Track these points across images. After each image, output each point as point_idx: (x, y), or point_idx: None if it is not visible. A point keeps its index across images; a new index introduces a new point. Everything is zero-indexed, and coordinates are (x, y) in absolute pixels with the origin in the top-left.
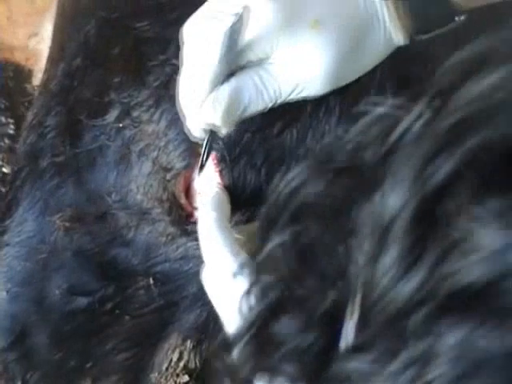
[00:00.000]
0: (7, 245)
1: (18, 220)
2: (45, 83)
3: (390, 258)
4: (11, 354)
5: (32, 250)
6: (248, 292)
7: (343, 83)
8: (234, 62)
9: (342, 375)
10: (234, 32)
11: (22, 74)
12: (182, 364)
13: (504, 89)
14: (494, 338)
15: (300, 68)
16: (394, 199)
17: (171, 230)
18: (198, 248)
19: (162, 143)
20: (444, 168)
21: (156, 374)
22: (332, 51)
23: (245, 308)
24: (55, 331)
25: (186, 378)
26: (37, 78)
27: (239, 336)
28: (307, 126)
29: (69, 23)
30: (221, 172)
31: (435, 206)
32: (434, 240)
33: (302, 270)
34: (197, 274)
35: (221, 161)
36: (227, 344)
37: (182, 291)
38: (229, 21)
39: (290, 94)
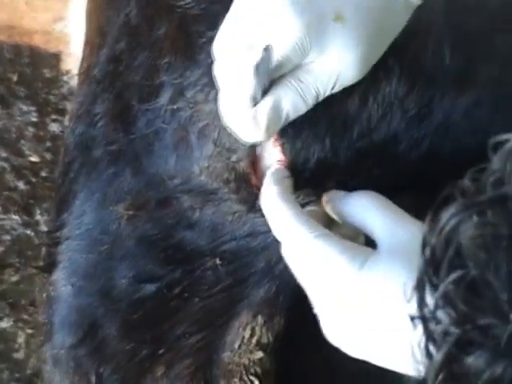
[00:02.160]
0: (67, 238)
1: (76, 213)
2: (86, 70)
3: None
4: (82, 349)
5: (93, 241)
6: (428, 338)
7: (377, 59)
8: (270, 77)
9: None
10: (265, 62)
11: (39, 58)
12: (254, 340)
13: None
14: None
15: (334, 63)
16: None
17: (238, 207)
18: (265, 223)
19: (222, 123)
20: None
21: (229, 353)
22: (361, 40)
23: (421, 354)
24: (125, 321)
25: (260, 353)
26: (66, 63)
27: (430, 377)
28: (368, 90)
29: (105, 6)
30: (282, 146)
31: None
32: None
33: (478, 301)
34: (264, 248)
35: (282, 136)
36: None
37: (250, 267)
38: (258, 56)
39: (330, 90)
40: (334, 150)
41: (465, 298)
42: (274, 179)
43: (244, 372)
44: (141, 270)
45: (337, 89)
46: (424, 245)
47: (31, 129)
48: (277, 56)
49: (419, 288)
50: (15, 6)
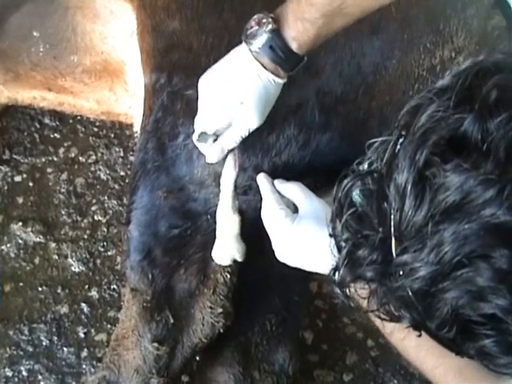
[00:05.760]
0: (135, 209)
1: (139, 195)
2: (143, 128)
3: (410, 202)
4: (144, 262)
5: (147, 209)
6: (335, 244)
7: (266, 115)
8: (215, 136)
9: (401, 264)
10: (207, 139)
11: (123, 126)
12: None
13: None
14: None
15: (245, 123)
16: (403, 175)
17: (216, 190)
18: None
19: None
20: (423, 155)
21: (215, 263)
22: (254, 109)
23: (334, 249)
24: (164, 248)
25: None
26: (135, 127)
27: (340, 264)
28: (279, 132)
29: (151, 98)
30: (238, 157)
31: (425, 172)
32: (429, 187)
33: (362, 223)
34: None
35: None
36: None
37: None
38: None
39: (247, 133)
40: (262, 162)
41: (355, 222)
42: (264, 179)
43: (222, 271)
44: (171, 222)
45: (251, 131)
46: (334, 199)
47: (120, 159)
48: (219, 127)
49: (333, 221)
50: (111, 104)
